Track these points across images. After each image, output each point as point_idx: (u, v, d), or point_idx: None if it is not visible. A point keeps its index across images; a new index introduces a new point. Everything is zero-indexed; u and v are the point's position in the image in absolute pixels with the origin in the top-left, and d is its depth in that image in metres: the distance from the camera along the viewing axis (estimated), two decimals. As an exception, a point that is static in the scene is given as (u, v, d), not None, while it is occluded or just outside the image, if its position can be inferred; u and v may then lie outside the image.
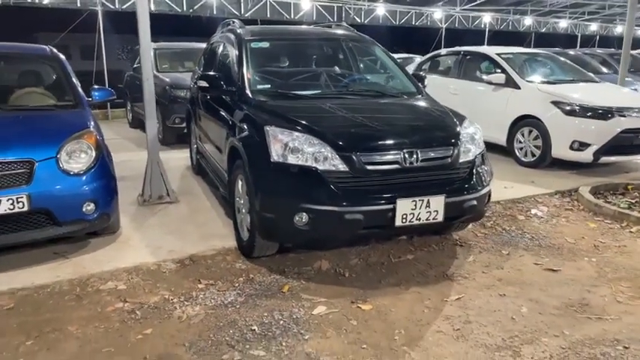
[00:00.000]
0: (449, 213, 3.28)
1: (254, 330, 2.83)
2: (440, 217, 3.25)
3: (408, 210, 3.15)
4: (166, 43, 9.98)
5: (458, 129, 3.55)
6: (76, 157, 3.57)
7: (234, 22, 5.08)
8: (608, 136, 5.88)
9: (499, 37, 21.56)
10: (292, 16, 15.39)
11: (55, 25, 13.82)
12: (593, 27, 26.05)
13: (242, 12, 14.58)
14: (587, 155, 5.99)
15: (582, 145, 5.99)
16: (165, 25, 16.10)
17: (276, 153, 3.24)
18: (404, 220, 3.16)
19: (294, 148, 3.21)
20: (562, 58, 7.86)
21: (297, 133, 3.27)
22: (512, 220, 4.72)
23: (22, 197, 3.26)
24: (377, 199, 3.14)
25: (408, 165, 3.23)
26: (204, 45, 9.82)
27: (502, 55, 7.16)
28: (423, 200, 3.17)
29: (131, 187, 5.27)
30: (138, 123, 9.74)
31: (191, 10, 13.87)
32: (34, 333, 2.79)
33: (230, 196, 4.03)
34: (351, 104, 3.85)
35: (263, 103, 3.78)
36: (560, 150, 6.15)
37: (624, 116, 5.96)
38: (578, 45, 25.14)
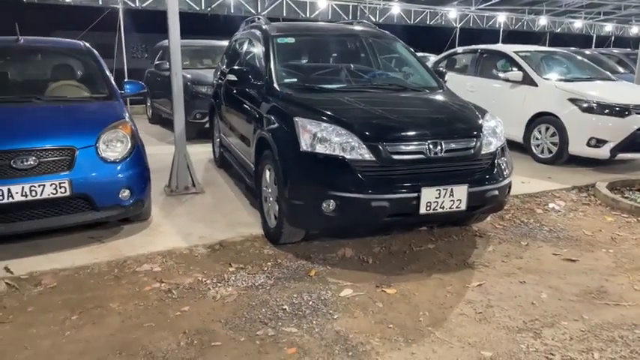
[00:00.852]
0: (471, 202, 3.40)
1: (285, 309, 2.97)
2: (463, 206, 3.37)
3: (432, 198, 3.28)
4: (186, 40, 10.15)
5: (480, 122, 3.67)
6: (113, 146, 3.75)
7: (259, 18, 5.23)
8: (625, 133, 5.95)
9: (514, 36, 21.53)
10: (308, 15, 15.55)
11: (73, 24, 14.09)
12: (609, 27, 25.87)
13: (259, 10, 14.76)
14: (604, 152, 6.06)
15: (599, 142, 6.06)
16: (183, 24, 16.30)
17: (305, 143, 3.38)
18: (428, 208, 3.29)
19: (323, 137, 3.35)
20: (579, 57, 7.92)
21: (325, 124, 3.41)
22: (530, 213, 4.82)
23: (64, 182, 3.44)
24: (402, 188, 3.27)
25: (432, 155, 3.36)
26: (222, 43, 10.09)
27: (519, 53, 7.24)
28: (446, 189, 3.29)
29: (157, 178, 5.38)
30: (158, 119, 9.96)
31: (209, 9, 14.09)
32: (78, 309, 2.96)
33: (257, 185, 4.18)
34: (375, 97, 3.99)
35: (291, 95, 3.93)
36: (577, 147, 6.23)
37: (642, 113, 6.02)
38: (594, 45, 24.99)
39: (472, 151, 3.49)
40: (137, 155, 3.84)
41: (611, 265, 3.71)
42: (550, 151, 6.53)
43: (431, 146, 3.36)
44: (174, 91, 5.10)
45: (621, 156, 6.09)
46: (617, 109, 6.01)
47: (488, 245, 4.05)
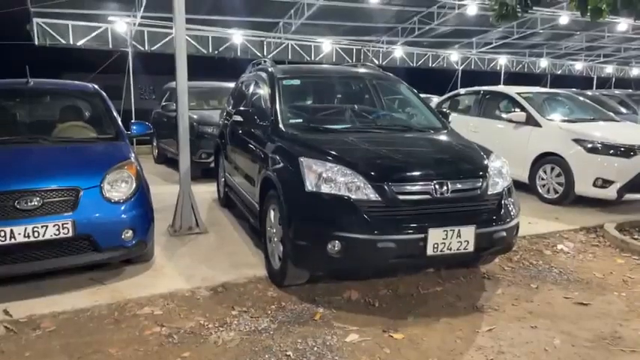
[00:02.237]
0: (479, 243, 3.35)
1: (289, 355, 2.88)
2: (470, 248, 3.31)
3: (439, 239, 3.23)
4: (193, 82, 10.36)
5: (486, 162, 3.65)
6: (118, 186, 3.74)
7: (265, 61, 5.32)
8: (632, 174, 5.92)
9: (515, 78, 21.86)
10: (313, 58, 15.89)
11: (83, 66, 14.45)
12: (609, 69, 26.28)
13: (265, 53, 15.10)
14: (611, 192, 6.02)
15: (605, 183, 6.02)
16: (191, 66, 16.70)
17: (310, 183, 3.37)
18: (435, 250, 3.23)
19: (328, 178, 3.34)
20: (581, 98, 7.98)
21: (330, 164, 3.40)
22: (539, 254, 4.73)
23: (67, 223, 3.41)
24: (409, 229, 3.23)
25: (438, 196, 3.33)
26: (228, 84, 10.27)
27: (522, 95, 7.31)
28: (454, 230, 3.25)
29: (160, 218, 5.39)
30: (163, 159, 10.04)
31: (216, 52, 14.43)
32: (77, 354, 2.87)
33: (261, 226, 4.14)
34: (380, 137, 4.00)
35: (296, 136, 3.94)
36: (583, 187, 6.19)
37: (647, 154, 6.01)
38: (595, 86, 25.31)
39: (479, 191, 3.46)
40: (141, 196, 3.83)
41: (625, 309, 3.60)
42: (556, 191, 6.49)
43: (437, 186, 3.33)
44: (179, 131, 5.15)
45: (628, 196, 6.04)
46: (623, 149, 6.00)
47: (497, 288, 3.96)
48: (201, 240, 4.97)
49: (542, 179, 6.66)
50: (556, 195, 6.48)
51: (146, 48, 12.90)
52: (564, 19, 13.65)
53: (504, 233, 3.47)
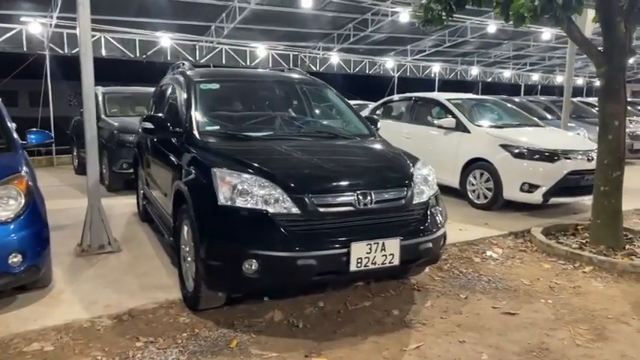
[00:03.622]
0: (405, 256, 3.17)
1: (196, 392, 2.56)
2: (396, 261, 3.13)
3: (362, 254, 3.01)
4: (116, 87, 9.78)
5: (411, 170, 3.49)
6: (4, 204, 3.27)
7: (184, 64, 4.97)
8: (556, 178, 6.04)
9: (448, 85, 22.51)
10: (248, 63, 15.53)
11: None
12: (535, 77, 27.67)
13: (197, 58, 14.58)
14: (537, 197, 6.10)
15: (532, 187, 6.11)
16: (118, 71, 15.92)
17: (223, 196, 3.06)
18: (359, 265, 3.02)
19: (243, 190, 3.05)
20: (508, 104, 8.16)
21: (246, 175, 3.12)
22: (469, 262, 4.66)
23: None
24: (330, 243, 2.99)
25: (361, 207, 3.12)
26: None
27: (452, 101, 7.35)
28: (377, 243, 3.04)
29: (70, 236, 4.95)
30: (84, 169, 9.33)
31: (144, 56, 13.75)
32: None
33: (175, 243, 3.79)
34: (302, 146, 3.75)
35: (211, 144, 3.63)
36: (511, 192, 6.25)
37: (570, 159, 6.15)
38: (522, 93, 26.57)
39: (403, 201, 3.29)
40: (32, 213, 3.37)
41: (551, 318, 3.55)
42: (485, 197, 6.53)
43: (360, 197, 3.12)
44: (87, 138, 4.69)
45: (554, 200, 6.15)
46: (547, 154, 6.12)
47: (426, 300, 3.81)
48: (112, 260, 4.52)
49: (472, 185, 6.68)
50: (485, 200, 6.52)
51: (66, 51, 12.05)
52: (492, 27, 14.10)
53: (431, 244, 3.31)
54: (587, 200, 6.50)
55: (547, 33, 16.00)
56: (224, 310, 3.48)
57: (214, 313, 3.43)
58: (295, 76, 4.93)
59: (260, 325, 3.34)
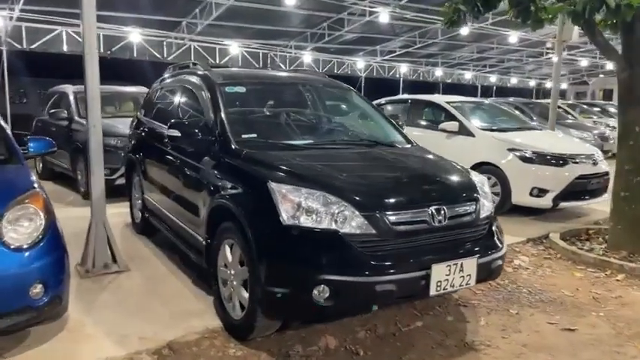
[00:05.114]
0: (480, 276, 2.95)
1: None
2: (472, 282, 2.91)
3: (442, 276, 2.77)
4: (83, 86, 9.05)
5: (475, 182, 3.28)
6: (20, 226, 2.79)
7: (195, 64, 4.55)
8: (565, 182, 6.03)
9: (412, 86, 22.76)
10: (218, 61, 14.97)
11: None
12: (493, 79, 28.46)
13: (165, 55, 13.92)
14: (546, 201, 6.08)
15: (541, 192, 6.07)
16: (78, 67, 14.90)
17: (287, 214, 2.72)
18: (438, 288, 2.77)
19: (309, 207, 2.72)
20: (502, 107, 8.15)
21: (309, 190, 2.79)
22: (502, 273, 4.51)
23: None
24: (409, 266, 2.72)
25: (436, 224, 2.86)
26: (127, 89, 9.12)
27: (452, 104, 7.24)
28: (456, 264, 2.81)
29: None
30: (49, 174, 8.66)
31: (109, 52, 12.96)
32: None
33: (209, 264, 3.40)
34: (353, 155, 3.46)
35: (253, 154, 3.26)
36: (520, 196, 6.19)
37: (577, 163, 6.17)
38: (479, 94, 27.29)
39: (474, 215, 3.06)
40: (53, 236, 2.91)
41: (612, 333, 3.44)
42: (493, 201, 6.42)
43: (434, 213, 2.87)
44: (91, 146, 4.21)
45: (563, 205, 6.15)
46: (556, 158, 6.10)
47: (478, 317, 3.62)
48: (124, 281, 4.05)
49: (478, 189, 6.58)
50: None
51: (24, 46, 11.13)
52: (465, 30, 14.23)
53: (501, 262, 3.12)
54: (586, 204, 6.57)
55: (513, 36, 16.36)
56: (272, 338, 3.14)
57: (264, 341, 3.09)
58: (318, 78, 4.61)
59: (318, 354, 3.03)
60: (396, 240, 2.76)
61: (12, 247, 2.72)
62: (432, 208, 2.87)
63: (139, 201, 5.25)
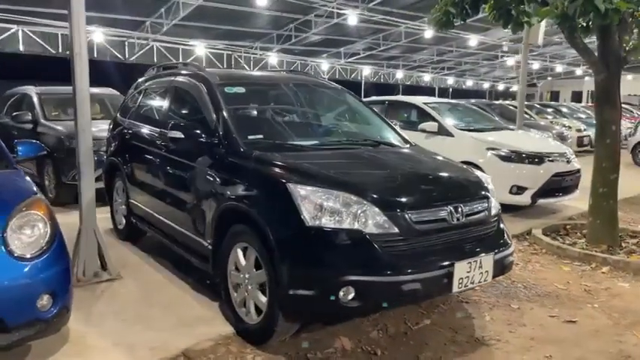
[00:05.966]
0: (496, 271, 3.01)
1: None
2: (489, 278, 2.97)
3: (464, 273, 2.81)
4: (52, 87, 8.65)
5: (485, 181, 3.35)
6: (25, 235, 2.62)
7: (185, 64, 4.42)
8: (543, 180, 6.26)
9: (374, 87, 23.07)
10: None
11: None
12: (450, 81, 29.28)
13: (127, 56, 13.49)
14: (525, 198, 6.28)
15: (520, 189, 6.27)
16: (38, 68, 14.24)
17: (309, 215, 2.69)
18: (460, 285, 2.81)
19: (331, 208, 2.70)
20: (475, 108, 8.38)
21: (329, 190, 2.76)
22: (495, 269, 4.62)
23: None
24: (433, 264, 2.75)
25: (455, 222, 2.90)
26: (93, 90, 8.77)
27: (429, 105, 7.37)
28: (476, 261, 2.86)
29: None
30: None
31: (68, 52, 12.40)
32: None
33: (216, 269, 3.31)
34: (363, 155, 3.46)
35: (263, 156, 3.19)
36: (499, 194, 6.18)
37: (552, 161, 6.42)
38: (437, 95, 27.99)
39: (487, 212, 3.14)
40: (59, 244, 2.74)
41: (610, 323, 3.59)
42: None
43: (452, 211, 2.91)
44: (80, 150, 4.03)
45: (540, 201, 6.37)
46: (533, 157, 6.32)
47: (482, 313, 3.69)
48: (119, 289, 3.89)
49: (459, 188, 6.73)
50: (473, 203, 6.59)
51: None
52: (429, 33, 14.56)
53: (512, 257, 3.20)
54: (560, 201, 6.84)
55: (474, 39, 16.87)
56: (287, 342, 3.09)
57: (280, 346, 3.03)
58: (314, 79, 4.59)
59: (335, 356, 3.00)
60: (418, 239, 2.78)
61: (18, 256, 2.55)
62: (450, 207, 2.91)
63: (123, 206, 5.06)
